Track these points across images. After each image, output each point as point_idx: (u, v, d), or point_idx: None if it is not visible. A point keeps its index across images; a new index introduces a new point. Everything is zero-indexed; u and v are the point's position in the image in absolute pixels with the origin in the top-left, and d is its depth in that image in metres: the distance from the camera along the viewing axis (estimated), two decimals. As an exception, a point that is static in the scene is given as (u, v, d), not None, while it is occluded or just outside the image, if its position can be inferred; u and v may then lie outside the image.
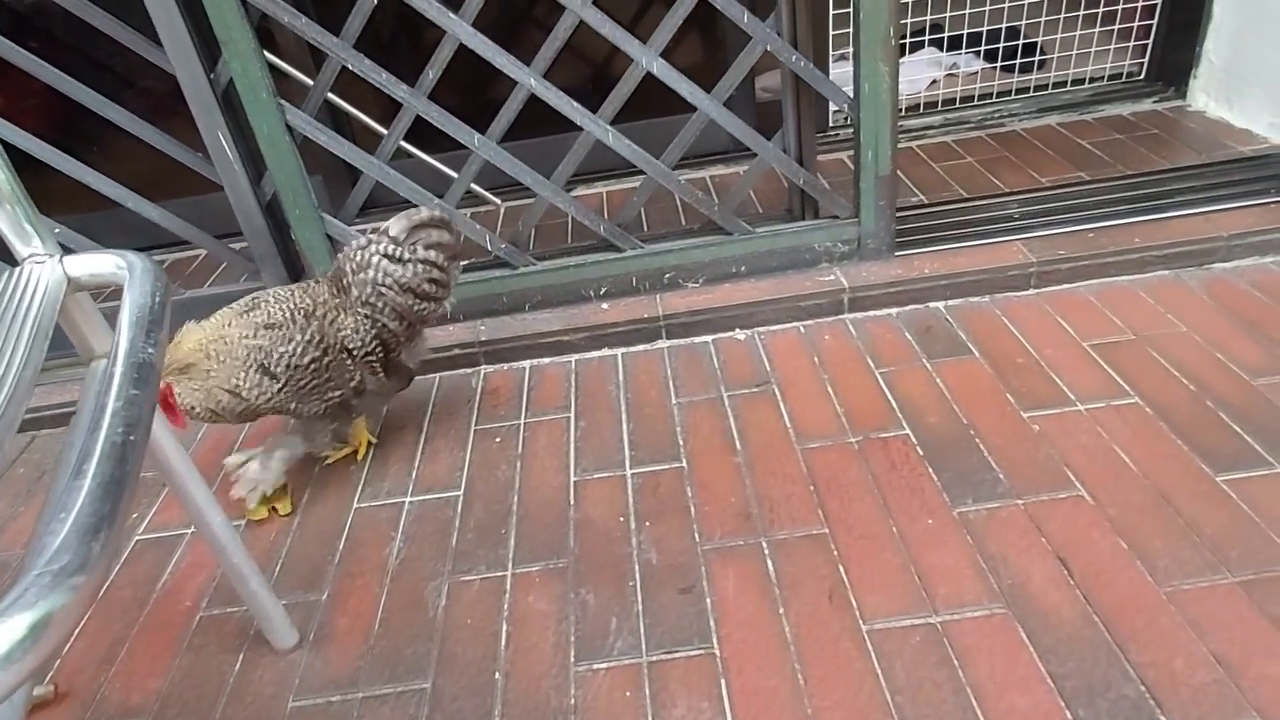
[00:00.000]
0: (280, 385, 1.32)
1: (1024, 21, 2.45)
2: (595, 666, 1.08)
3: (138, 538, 1.42)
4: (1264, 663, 0.97)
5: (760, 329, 1.72)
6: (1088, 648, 1.01)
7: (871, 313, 1.72)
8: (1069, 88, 2.47)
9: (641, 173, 1.68)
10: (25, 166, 0.97)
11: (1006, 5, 2.39)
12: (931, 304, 1.71)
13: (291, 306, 1.34)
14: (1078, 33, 2.42)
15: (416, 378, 1.54)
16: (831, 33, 2.24)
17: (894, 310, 1.72)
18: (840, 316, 1.72)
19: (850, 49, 1.61)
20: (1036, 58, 2.52)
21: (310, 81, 1.69)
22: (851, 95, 1.64)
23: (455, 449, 1.52)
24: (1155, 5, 2.33)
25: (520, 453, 1.49)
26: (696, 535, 1.26)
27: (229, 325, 1.32)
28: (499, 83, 1.62)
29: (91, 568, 0.47)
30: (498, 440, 1.53)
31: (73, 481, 0.52)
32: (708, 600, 1.15)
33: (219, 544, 1.06)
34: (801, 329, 1.71)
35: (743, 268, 1.80)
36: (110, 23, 1.62)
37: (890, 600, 1.11)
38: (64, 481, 0.53)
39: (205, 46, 1.59)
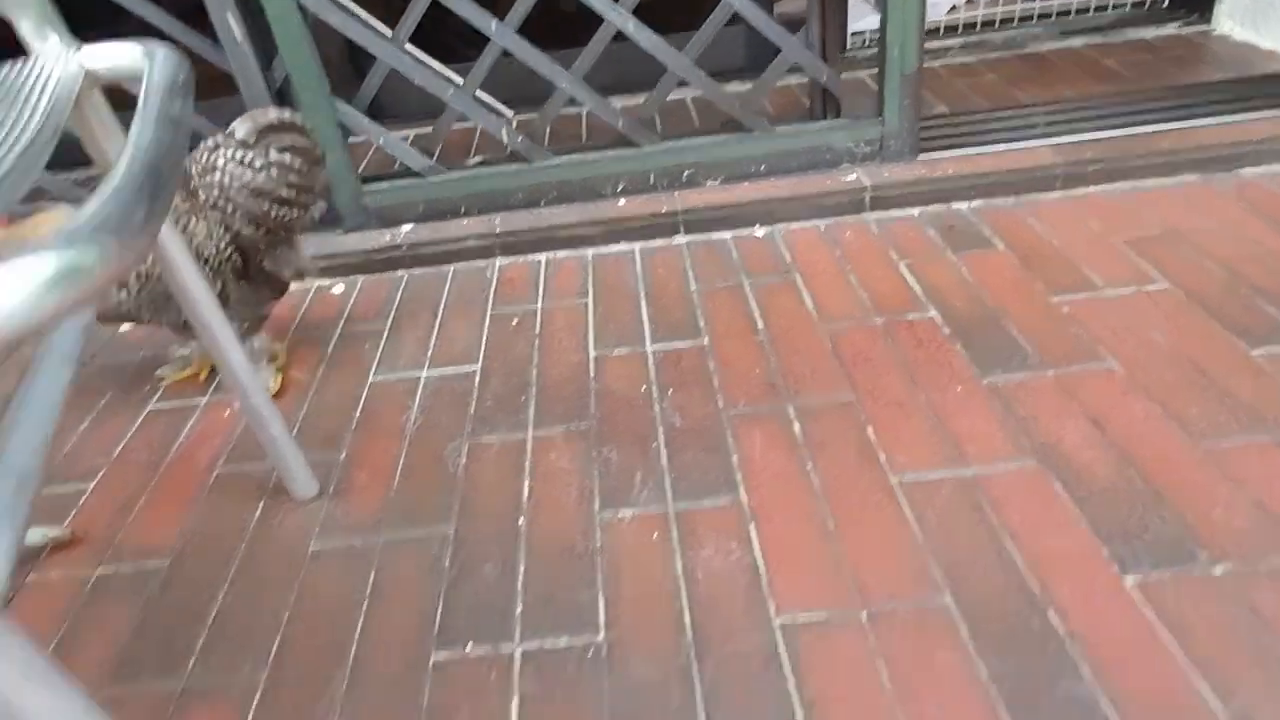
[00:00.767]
0: (133, 294, 1.24)
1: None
2: (621, 514, 1.07)
3: (150, 408, 1.40)
4: (1304, 509, 0.95)
5: (780, 225, 1.69)
6: (1123, 497, 1.00)
7: (893, 211, 1.69)
8: (1091, 13, 2.43)
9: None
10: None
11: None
12: (955, 204, 1.69)
13: None
14: (1103, -45, 2.38)
15: (435, 267, 1.49)
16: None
17: (916, 210, 1.69)
18: (861, 215, 1.69)
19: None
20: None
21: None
22: (881, -17, 1.60)
23: (471, 330, 1.49)
24: (1182, -74, 2.29)
25: (538, 333, 1.46)
26: (720, 403, 1.24)
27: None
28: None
29: (133, 230, 0.44)
30: (515, 322, 1.50)
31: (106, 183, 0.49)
32: (734, 457, 1.13)
33: (239, 381, 1.03)
34: (822, 226, 1.68)
35: (762, 167, 1.77)
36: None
37: (920, 457, 1.09)
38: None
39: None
